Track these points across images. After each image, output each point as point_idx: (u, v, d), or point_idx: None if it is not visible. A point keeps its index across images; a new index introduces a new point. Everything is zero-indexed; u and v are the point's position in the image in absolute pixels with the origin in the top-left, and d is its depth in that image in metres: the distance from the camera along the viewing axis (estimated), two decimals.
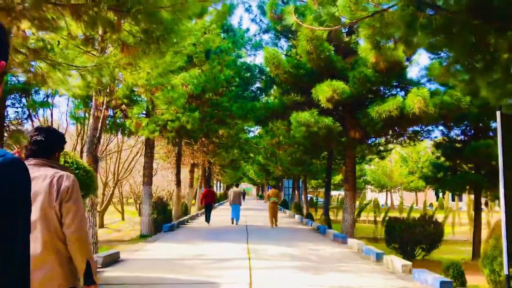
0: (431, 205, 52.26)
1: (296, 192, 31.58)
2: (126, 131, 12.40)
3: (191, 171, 25.96)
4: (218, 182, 50.72)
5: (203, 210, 19.72)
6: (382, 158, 18.46)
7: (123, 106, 9.92)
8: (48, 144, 2.41)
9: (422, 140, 16.95)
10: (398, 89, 15.29)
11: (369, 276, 7.40)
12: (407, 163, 63.70)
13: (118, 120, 12.08)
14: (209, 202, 17.81)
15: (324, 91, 12.32)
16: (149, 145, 14.52)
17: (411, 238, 12.70)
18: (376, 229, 21.14)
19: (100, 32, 5.42)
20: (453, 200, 59.39)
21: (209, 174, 34.30)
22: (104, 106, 9.10)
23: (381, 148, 16.76)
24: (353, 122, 14.04)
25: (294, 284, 6.67)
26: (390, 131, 14.87)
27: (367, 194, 71.24)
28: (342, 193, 60.01)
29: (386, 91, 15.63)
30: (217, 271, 7.49)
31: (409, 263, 7.67)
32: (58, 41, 4.93)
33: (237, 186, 20.05)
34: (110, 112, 11.02)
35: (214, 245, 10.88)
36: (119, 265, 8.00)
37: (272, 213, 17.13)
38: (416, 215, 17.59)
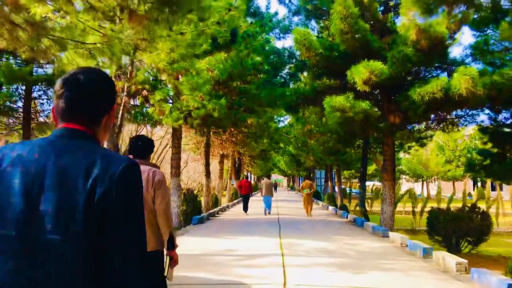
0: (469, 195, 50.10)
1: (329, 182, 30.59)
2: (150, 120, 11.84)
3: (221, 162, 25.45)
4: (249, 173, 50.24)
5: (235, 200, 20.39)
6: (422, 145, 17.28)
7: (144, 92, 9.35)
8: (144, 148, 3.35)
9: (465, 125, 15.68)
10: (440, 71, 14.12)
11: (418, 276, 6.54)
12: (444, 151, 61.43)
13: (143, 109, 11.55)
14: (246, 193, 18.71)
15: (360, 73, 11.37)
16: (176, 136, 13.97)
17: (457, 231, 11.67)
18: (414, 220, 20.04)
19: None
20: (493, 189, 56.92)
21: (239, 165, 33.77)
22: (124, 92, 8.53)
23: (422, 134, 15.57)
24: (392, 107, 13.01)
25: (332, 284, 5.90)
26: (432, 116, 13.74)
27: (402, 185, 69.27)
28: (376, 183, 58.53)
29: (427, 73, 14.49)
30: (248, 269, 6.81)
31: (465, 261, 6.75)
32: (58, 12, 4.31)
33: (268, 177, 20.48)
34: (133, 101, 10.52)
35: (244, 239, 10.22)
36: None
37: (306, 204, 17.90)
38: (456, 205, 16.48)
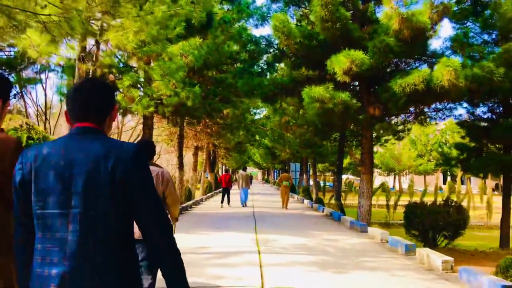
0: (440, 188, 50.97)
1: (304, 176, 30.34)
2: (118, 108, 11.08)
3: (195, 154, 24.77)
4: (223, 166, 49.65)
5: (209, 194, 20.11)
6: (400, 138, 17.11)
7: (111, 76, 8.62)
8: (149, 151, 3.92)
9: (443, 119, 15.56)
10: (420, 63, 13.87)
11: (403, 275, 6.17)
12: (416, 146, 62.42)
13: None
14: (226, 186, 19.31)
15: (341, 62, 10.95)
16: (147, 126, 13.24)
17: (434, 225, 11.46)
18: (388, 214, 19.97)
19: None
20: (461, 183, 58.00)
21: (214, 158, 33.15)
22: (90, 76, 7.81)
23: (400, 127, 15.35)
24: (372, 98, 12.67)
25: (313, 286, 5.45)
26: (412, 108, 13.50)
27: (375, 178, 70.00)
28: (350, 176, 58.86)
29: (407, 66, 14.22)
30: (222, 268, 6.29)
31: (451, 259, 6.42)
32: None
33: (244, 170, 21.08)
34: None
35: (218, 235, 9.69)
36: None
37: (284, 195, 18.50)
38: (429, 199, 16.44)
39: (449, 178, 59.22)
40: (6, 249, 1.82)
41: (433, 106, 14.46)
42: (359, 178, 56.71)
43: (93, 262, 1.46)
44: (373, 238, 9.96)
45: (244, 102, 17.34)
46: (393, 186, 58.82)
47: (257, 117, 28.21)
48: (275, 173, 66.47)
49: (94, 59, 7.50)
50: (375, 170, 63.20)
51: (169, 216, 3.93)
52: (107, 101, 1.66)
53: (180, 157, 17.90)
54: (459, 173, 38.43)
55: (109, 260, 1.48)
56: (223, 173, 23.05)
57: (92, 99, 1.60)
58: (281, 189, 18.99)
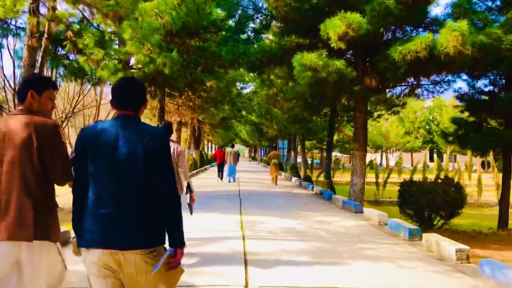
0: (428, 166, 50.81)
1: (292, 153, 29.43)
2: (81, 74, 9.83)
3: (178, 130, 23.60)
4: (209, 143, 48.54)
5: (194, 171, 19.90)
6: (395, 113, 16.19)
7: (69, 33, 7.39)
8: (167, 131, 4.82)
9: (441, 92, 14.62)
10: (420, 30, 12.79)
11: (412, 267, 5.26)
12: (403, 123, 62.02)
13: (72, 57, 9.49)
14: (220, 162, 20.44)
15: (336, 26, 9.82)
16: None
17: (431, 204, 10.65)
18: (378, 191, 19.21)
19: None
20: (450, 161, 57.98)
21: (199, 134, 32.01)
22: (45, 34, 6.60)
23: (395, 101, 14.35)
24: (368, 68, 11.65)
25: (307, 284, 4.51)
26: (411, 79, 12.51)
27: None
28: (338, 154, 58.20)
29: (403, 35, 13.14)
30: (200, 260, 5.30)
31: (466, 247, 5.52)
32: None
33: (232, 146, 21.77)
34: (58, 48, 8.51)
35: (200, 218, 8.64)
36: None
37: (273, 172, 18.90)
38: (418, 176, 15.70)
39: (435, 156, 59.20)
40: (50, 209, 2.46)
41: (431, 78, 13.53)
42: (346, 156, 56.36)
43: (129, 205, 2.15)
44: (369, 220, 9.09)
45: (229, 73, 16.11)
46: (381, 163, 58.55)
47: (244, 92, 27.04)
48: (262, 151, 65.59)
49: (48, 11, 6.29)
50: None
51: (182, 177, 5.30)
52: (142, 97, 2.35)
53: None
54: (448, 150, 37.92)
55: (139, 203, 2.16)
56: (217, 149, 23.43)
57: (132, 95, 2.30)
58: (270, 166, 19.29)
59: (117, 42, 9.73)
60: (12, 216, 2.31)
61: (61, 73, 11.39)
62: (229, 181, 18.79)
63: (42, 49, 6.61)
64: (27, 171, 2.37)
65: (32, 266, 2.32)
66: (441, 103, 62.28)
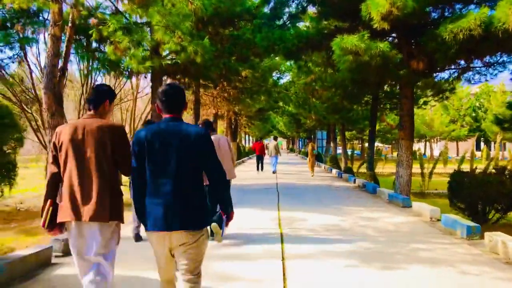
0: (475, 156, 48.53)
1: (331, 144, 28.49)
2: (109, 64, 9.49)
3: (214, 122, 23.26)
4: (247, 135, 48.22)
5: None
6: (444, 99, 15.04)
7: (94, 21, 7.02)
8: (210, 127, 6.07)
9: (495, 75, 13.39)
10: (472, 7, 11.67)
11: (478, 273, 4.53)
12: (448, 111, 59.30)
13: (103, 48, 9.18)
14: (259, 154, 20.92)
15: (379, 5, 9.00)
16: (156, 87, 11.72)
17: (485, 197, 9.66)
18: (423, 183, 18.10)
19: None
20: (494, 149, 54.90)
21: (236, 126, 31.63)
22: (69, 23, 6.25)
23: (445, 86, 13.23)
24: (414, 50, 10.73)
25: None
26: (463, 61, 11.45)
27: None
28: (379, 144, 56.45)
29: (451, 14, 12.05)
30: (232, 264, 4.80)
31: None
32: None
33: (275, 139, 22.43)
34: (86, 39, 8.18)
35: (234, 213, 8.20)
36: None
37: (311, 163, 19.05)
38: (465, 166, 14.52)
39: (482, 144, 56.31)
40: (120, 195, 2.96)
41: (484, 60, 12.36)
42: (388, 146, 54.42)
43: (182, 195, 2.59)
44: (420, 215, 8.30)
45: (264, 62, 15.50)
46: (424, 153, 56.35)
47: (281, 82, 26.34)
48: (300, 142, 64.64)
49: None
50: None
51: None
52: (183, 100, 2.78)
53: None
54: (498, 138, 35.65)
55: (191, 193, 2.62)
56: (256, 141, 24.18)
57: (176, 100, 2.71)
58: (309, 157, 19.55)
59: (147, 31, 9.31)
60: (94, 202, 2.81)
61: (94, 66, 11.16)
62: (273, 172, 19.31)
63: (66, 38, 6.25)
64: (103, 165, 2.87)
65: (105, 239, 2.87)
66: (489, 88, 59.09)
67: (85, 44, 10.40)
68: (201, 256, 2.75)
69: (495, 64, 12.87)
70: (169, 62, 11.00)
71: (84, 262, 2.87)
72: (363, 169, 24.42)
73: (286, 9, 12.88)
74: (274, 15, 13.19)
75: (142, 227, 3.91)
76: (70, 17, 6.34)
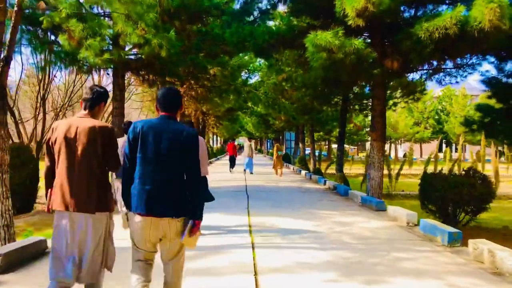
0: (438, 157, 49.68)
1: (300, 145, 28.24)
2: (70, 60, 8.65)
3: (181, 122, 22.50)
4: (214, 136, 47.46)
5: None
6: (416, 100, 14.95)
7: (42, 5, 6.25)
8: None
9: (464, 77, 13.38)
10: (444, 7, 11.55)
11: (469, 287, 4.16)
12: (412, 113, 60.63)
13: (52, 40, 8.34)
14: (232, 154, 21.38)
15: (354, 1, 8.65)
16: (118, 85, 10.94)
17: (457, 199, 9.51)
18: (390, 184, 18.06)
19: None
20: (456, 151, 56.52)
21: (203, 127, 30.89)
22: (15, 6, 5.51)
23: (418, 86, 13.08)
24: (389, 49, 10.46)
25: None
26: (435, 62, 11.29)
27: (367, 146, 68.21)
28: (346, 146, 57.06)
29: (424, 10, 11.89)
30: (200, 279, 4.23)
31: None
32: None
33: (250, 140, 22.91)
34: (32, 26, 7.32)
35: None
36: (42, 263, 4.75)
37: (277, 165, 19.43)
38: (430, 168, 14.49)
39: (444, 146, 57.83)
40: (107, 189, 3.20)
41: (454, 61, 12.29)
42: (353, 147, 54.84)
43: (167, 182, 2.83)
44: (396, 220, 7.98)
45: (233, 60, 14.94)
46: (389, 155, 57.27)
47: (249, 82, 25.79)
48: (268, 143, 64.39)
49: None
50: (370, 138, 61.31)
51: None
52: (179, 102, 3.04)
53: None
54: (460, 140, 36.51)
55: (174, 182, 2.85)
56: (229, 142, 24.58)
57: (172, 101, 2.98)
58: (274, 159, 20.07)
59: (105, 20, 8.54)
60: (82, 194, 3.06)
61: (50, 59, 10.30)
62: (251, 173, 19.50)
63: (12, 23, 5.50)
64: (93, 161, 3.11)
65: (94, 229, 3.09)
66: (451, 92, 60.84)
67: (41, 35, 9.56)
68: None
69: (465, 66, 12.85)
70: (132, 56, 10.29)
71: (63, 256, 3.07)
72: (330, 170, 24.30)
73: (258, 4, 12.36)
74: (245, 10, 12.68)
75: None
76: (17, 0, 5.59)
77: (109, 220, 3.23)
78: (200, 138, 6.61)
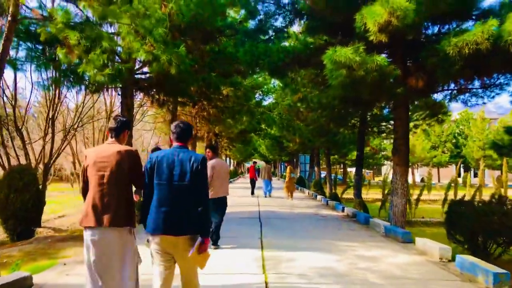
0: (457, 182, 48.17)
1: (315, 168, 27.41)
2: (77, 79, 8.16)
3: (192, 145, 21.97)
4: (227, 158, 46.90)
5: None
6: (439, 122, 14.13)
7: (36, 12, 5.75)
8: (214, 151, 8.03)
9: (492, 97, 12.57)
10: (470, 22, 10.88)
11: None
12: (430, 137, 59.37)
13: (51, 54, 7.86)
14: (252, 177, 21.32)
15: (376, 14, 8.04)
16: (126, 105, 10.45)
17: (487, 229, 8.62)
18: (410, 211, 17.09)
19: None
20: (475, 176, 54.90)
21: (216, 148, 30.35)
22: (8, 16, 5.02)
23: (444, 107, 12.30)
24: (412, 67, 9.81)
25: None
26: (462, 81, 10.55)
27: (383, 170, 66.84)
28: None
29: (448, 27, 11.24)
30: None
31: None
32: None
33: (267, 162, 23.99)
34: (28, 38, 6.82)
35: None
36: None
37: (289, 188, 19.35)
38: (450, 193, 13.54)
39: (462, 171, 56.24)
40: (133, 206, 3.58)
41: (479, 81, 11.55)
42: (369, 171, 53.52)
43: (181, 205, 3.29)
44: (426, 254, 7.13)
45: (247, 80, 14.41)
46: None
47: (263, 103, 25.27)
48: (282, 166, 63.50)
49: None
50: (386, 162, 59.98)
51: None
52: (190, 133, 3.60)
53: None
54: (481, 165, 35.25)
55: (188, 205, 3.29)
56: (251, 164, 24.75)
57: (182, 132, 3.54)
58: (286, 181, 19.73)
59: (105, 30, 8.05)
60: (112, 210, 3.46)
61: (55, 77, 9.88)
62: (265, 196, 19.71)
63: (4, 34, 5.01)
64: (121, 181, 3.55)
65: (122, 243, 3.47)
66: (469, 115, 59.58)
67: (46, 52, 9.16)
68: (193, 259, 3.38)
69: (492, 86, 12.08)
70: (141, 75, 9.81)
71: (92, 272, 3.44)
72: (346, 195, 23.36)
73: (273, 22, 11.84)
74: (259, 28, 12.19)
75: None
76: (10, 10, 5.12)
77: (134, 234, 3.62)
78: (222, 162, 7.81)
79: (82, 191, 3.69)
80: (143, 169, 3.57)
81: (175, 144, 3.50)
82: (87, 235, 3.45)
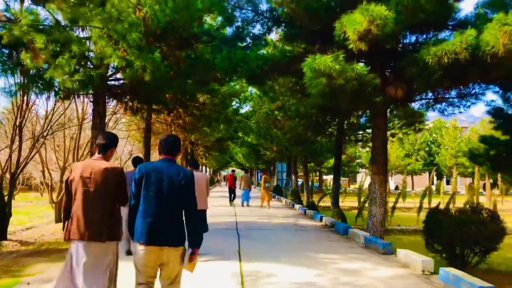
0: (431, 189, 49.04)
1: (292, 176, 27.30)
2: (45, 85, 7.72)
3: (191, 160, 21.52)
4: (204, 167, 46.36)
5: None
6: (417, 130, 14.21)
7: (0, 15, 5.39)
8: (194, 164, 8.40)
9: (468, 107, 12.70)
10: (447, 32, 10.97)
11: None
12: (404, 145, 60.33)
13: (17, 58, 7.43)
14: (231, 186, 21.12)
15: (355, 22, 7.92)
16: (98, 112, 10.03)
17: (466, 239, 8.62)
18: (387, 218, 17.12)
19: None
20: (448, 183, 56.07)
21: (192, 157, 29.87)
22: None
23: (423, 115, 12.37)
24: (391, 76, 9.77)
25: None
26: (439, 90, 10.59)
27: (358, 178, 67.40)
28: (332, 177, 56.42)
29: (426, 36, 11.31)
30: None
31: None
32: None
33: (246, 172, 24.43)
34: None
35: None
36: None
37: (265, 197, 19.28)
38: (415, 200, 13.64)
39: (435, 179, 57.31)
40: (118, 221, 3.76)
41: (454, 92, 11.68)
42: (344, 178, 53.74)
43: (167, 217, 3.34)
44: (408, 266, 6.99)
45: (223, 87, 14.16)
46: None
47: (240, 111, 25.03)
48: (258, 174, 63.31)
49: None
50: (361, 170, 60.55)
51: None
52: (178, 147, 3.62)
53: (148, 156, 14.65)
54: (454, 173, 35.95)
55: (173, 215, 3.36)
56: (229, 173, 24.48)
57: (171, 146, 3.57)
58: (262, 191, 19.74)
59: (73, 32, 7.65)
60: (96, 224, 3.57)
61: (21, 83, 9.39)
62: (242, 205, 19.45)
63: None
64: (107, 197, 3.66)
65: (103, 256, 3.59)
66: (442, 124, 60.96)
67: (13, 57, 8.67)
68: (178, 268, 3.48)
69: (468, 96, 12.21)
70: (114, 81, 9.42)
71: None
72: (323, 203, 23.28)
73: (251, 29, 11.66)
74: (237, 35, 11.98)
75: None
76: None
77: (117, 247, 3.75)
78: (203, 174, 7.87)
79: (64, 203, 3.76)
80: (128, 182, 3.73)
81: (163, 157, 3.55)
82: (73, 246, 3.59)
